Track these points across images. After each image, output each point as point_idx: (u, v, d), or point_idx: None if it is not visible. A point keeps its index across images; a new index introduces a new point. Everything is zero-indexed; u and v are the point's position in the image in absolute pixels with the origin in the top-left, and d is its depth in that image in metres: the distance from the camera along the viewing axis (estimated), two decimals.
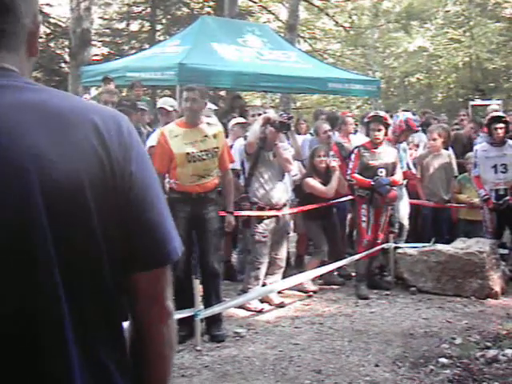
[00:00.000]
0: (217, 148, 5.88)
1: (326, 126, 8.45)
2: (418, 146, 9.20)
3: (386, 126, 7.56)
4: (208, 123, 5.98)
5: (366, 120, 7.85)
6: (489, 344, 5.67)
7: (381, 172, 7.46)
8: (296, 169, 7.87)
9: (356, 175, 7.49)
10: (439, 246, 7.66)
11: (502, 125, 8.01)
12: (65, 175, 1.25)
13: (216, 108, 9.66)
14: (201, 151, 5.78)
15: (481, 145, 8.42)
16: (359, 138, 8.79)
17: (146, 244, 1.37)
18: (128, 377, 1.37)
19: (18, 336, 1.21)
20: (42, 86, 1.37)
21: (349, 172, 7.57)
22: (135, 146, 1.38)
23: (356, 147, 7.78)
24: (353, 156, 7.62)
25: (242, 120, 8.35)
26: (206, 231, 5.87)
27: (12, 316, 1.21)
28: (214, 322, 5.99)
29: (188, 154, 5.73)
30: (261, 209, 6.89)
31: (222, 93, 17.59)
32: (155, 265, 1.40)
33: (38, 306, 1.22)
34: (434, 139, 8.65)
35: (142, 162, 1.39)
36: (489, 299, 7.19)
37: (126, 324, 1.44)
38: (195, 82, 7.69)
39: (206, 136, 5.83)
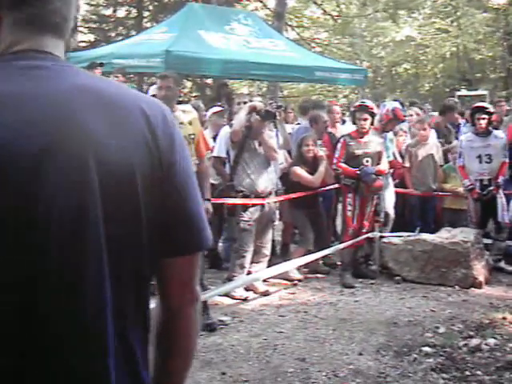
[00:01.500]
0: (193, 134, 5.85)
1: (325, 116, 8.41)
2: (406, 132, 9.19)
3: (372, 115, 7.57)
4: (183, 110, 5.96)
5: (352, 109, 7.86)
6: (472, 333, 5.71)
7: (366, 161, 7.48)
8: (282, 157, 7.88)
9: (342, 164, 7.51)
10: (424, 236, 7.70)
11: (485, 115, 8.02)
12: (119, 161, 1.28)
13: None
14: None
15: (466, 135, 8.46)
16: (348, 128, 8.80)
17: (186, 230, 1.42)
18: (146, 356, 1.41)
19: (65, 317, 1.24)
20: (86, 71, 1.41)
21: (335, 161, 7.58)
22: (178, 136, 1.42)
23: (342, 136, 7.80)
24: (339, 145, 7.63)
25: (218, 109, 8.25)
26: None
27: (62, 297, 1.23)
28: (202, 310, 5.97)
29: None
30: (246, 197, 6.89)
31: (209, 81, 17.53)
32: (192, 250, 1.45)
33: (87, 284, 1.26)
34: (425, 129, 8.68)
35: (184, 153, 1.43)
36: (472, 288, 7.24)
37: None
38: (182, 70, 7.69)
39: (181, 123, 5.80)
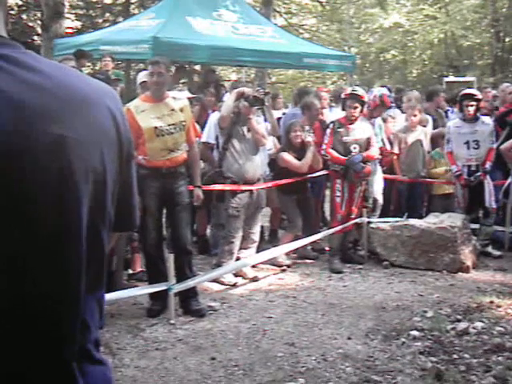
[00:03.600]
0: (184, 121, 5.83)
1: (318, 104, 8.36)
2: (394, 118, 9.13)
3: (363, 103, 7.58)
4: (174, 97, 5.93)
5: (343, 96, 7.80)
6: (459, 317, 5.76)
7: (354, 148, 7.49)
8: (271, 143, 7.87)
9: (331, 151, 7.51)
10: (412, 221, 7.73)
11: (473, 102, 8.05)
12: (96, 159, 1.30)
13: None
14: (169, 125, 5.73)
15: (453, 121, 8.47)
16: (336, 114, 8.77)
17: (128, 213, 1.51)
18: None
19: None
20: None
21: (324, 147, 7.58)
22: (129, 128, 1.44)
23: (331, 122, 7.79)
24: (328, 131, 7.63)
25: (188, 95, 8.08)
26: (176, 206, 5.86)
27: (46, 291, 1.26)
28: (191, 296, 5.99)
29: (156, 128, 5.67)
30: (235, 183, 6.89)
31: (197, 67, 17.46)
32: (129, 229, 1.60)
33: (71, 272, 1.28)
34: (415, 115, 8.67)
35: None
36: (460, 273, 7.29)
37: None
38: (170, 56, 7.62)
39: (172, 110, 5.78)
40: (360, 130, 7.59)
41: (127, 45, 11.10)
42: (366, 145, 7.61)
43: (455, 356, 4.88)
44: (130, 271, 6.97)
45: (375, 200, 8.16)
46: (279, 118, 8.97)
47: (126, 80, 11.84)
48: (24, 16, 20.57)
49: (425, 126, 8.99)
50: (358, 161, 7.42)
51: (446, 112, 10.21)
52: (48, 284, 1.24)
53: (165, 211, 6.05)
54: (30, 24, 20.57)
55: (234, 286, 6.93)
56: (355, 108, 7.51)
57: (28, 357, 1.25)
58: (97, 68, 12.97)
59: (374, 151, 7.72)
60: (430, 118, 9.23)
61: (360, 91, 7.66)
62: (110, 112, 1.34)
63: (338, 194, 7.62)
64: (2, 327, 1.21)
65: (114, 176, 1.35)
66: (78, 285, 1.29)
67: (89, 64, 11.06)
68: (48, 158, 1.20)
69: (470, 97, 8.14)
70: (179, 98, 6.10)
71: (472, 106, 8.03)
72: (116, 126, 1.35)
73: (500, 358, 4.82)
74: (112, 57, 10.42)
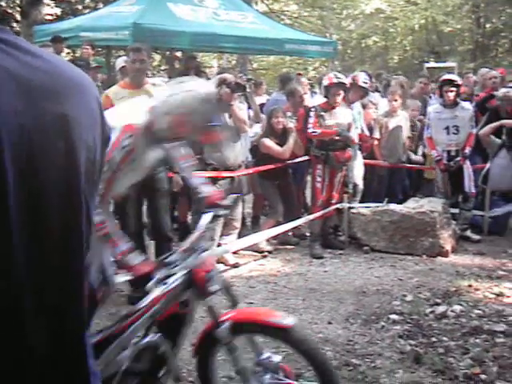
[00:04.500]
0: None
1: (301, 90, 8.37)
2: (375, 104, 9.12)
3: (346, 90, 7.60)
4: (153, 84, 5.90)
5: (326, 84, 7.73)
6: (438, 301, 5.82)
7: None
8: (256, 129, 7.88)
9: (318, 127, 7.51)
10: (392, 206, 7.79)
11: (453, 88, 8.10)
12: (90, 139, 1.33)
13: None
14: None
15: (433, 106, 8.52)
16: (317, 100, 8.78)
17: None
18: None
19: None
20: None
21: (310, 126, 7.56)
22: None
23: (313, 107, 7.81)
24: (311, 113, 7.63)
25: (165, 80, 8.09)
26: (155, 192, 5.84)
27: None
28: None
29: None
30: (216, 170, 6.90)
31: (178, 53, 17.38)
32: None
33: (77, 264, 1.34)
34: (396, 100, 8.69)
35: None
36: (439, 257, 7.37)
37: None
38: (150, 42, 7.59)
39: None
40: (341, 114, 7.62)
41: (107, 31, 11.03)
42: (348, 129, 7.64)
43: (434, 339, 4.94)
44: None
45: (355, 185, 8.20)
46: (263, 104, 8.98)
47: (106, 66, 11.75)
48: (3, 3, 20.33)
49: (414, 111, 9.08)
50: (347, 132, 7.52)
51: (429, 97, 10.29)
52: (62, 267, 1.29)
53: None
54: (9, 11, 20.35)
55: None
56: (339, 95, 7.53)
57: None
58: (77, 55, 12.86)
59: (354, 136, 7.76)
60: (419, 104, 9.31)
61: (344, 79, 7.67)
62: (97, 100, 1.39)
63: (319, 179, 7.65)
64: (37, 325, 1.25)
65: (99, 159, 1.38)
66: (82, 265, 1.35)
67: (68, 51, 10.97)
68: (54, 136, 1.24)
69: (450, 82, 8.19)
70: (158, 84, 6.08)
71: (452, 91, 8.08)
72: (101, 115, 1.39)
73: (478, 341, 4.89)
74: (92, 44, 10.36)
